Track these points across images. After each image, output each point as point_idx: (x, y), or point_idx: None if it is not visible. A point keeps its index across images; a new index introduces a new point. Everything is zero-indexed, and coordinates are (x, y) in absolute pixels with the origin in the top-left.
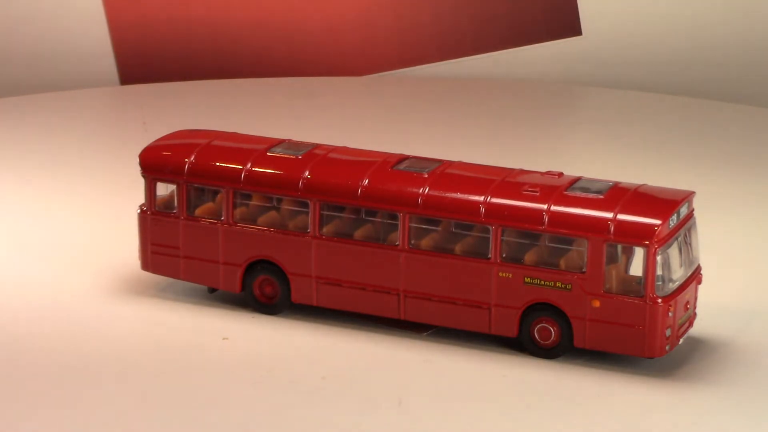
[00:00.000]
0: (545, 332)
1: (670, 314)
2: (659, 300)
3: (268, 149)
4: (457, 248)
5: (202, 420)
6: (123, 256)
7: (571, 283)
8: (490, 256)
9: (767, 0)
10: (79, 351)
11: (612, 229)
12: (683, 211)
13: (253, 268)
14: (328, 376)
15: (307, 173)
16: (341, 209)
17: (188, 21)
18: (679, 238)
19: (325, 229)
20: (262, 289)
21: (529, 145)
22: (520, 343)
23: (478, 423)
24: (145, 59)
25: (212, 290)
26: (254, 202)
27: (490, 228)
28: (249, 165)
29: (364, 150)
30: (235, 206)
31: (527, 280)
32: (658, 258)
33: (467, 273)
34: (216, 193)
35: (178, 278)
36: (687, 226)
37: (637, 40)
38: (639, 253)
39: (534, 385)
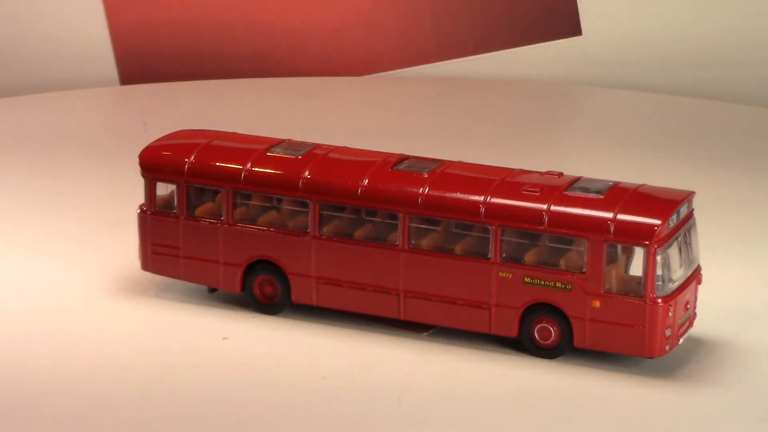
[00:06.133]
0: (545, 332)
1: (670, 314)
2: (659, 300)
3: (268, 149)
4: (457, 248)
5: (202, 420)
6: (123, 256)
7: (571, 283)
8: (490, 256)
9: (766, 0)
10: (79, 351)
11: (612, 229)
12: (683, 211)
13: (253, 268)
14: (328, 376)
15: (307, 173)
16: (341, 209)
17: (188, 21)
18: (679, 238)
19: (325, 229)
20: (262, 289)
21: (529, 145)
22: (520, 343)
23: (477, 423)
24: (145, 59)
25: (212, 290)
26: (254, 202)
27: (490, 228)
28: (249, 165)
29: (364, 150)
30: (235, 206)
31: (527, 280)
32: (658, 258)
33: (467, 273)
34: (216, 193)
35: (178, 278)
36: (687, 226)
37: (637, 40)
38: (639, 253)
39: (534, 385)
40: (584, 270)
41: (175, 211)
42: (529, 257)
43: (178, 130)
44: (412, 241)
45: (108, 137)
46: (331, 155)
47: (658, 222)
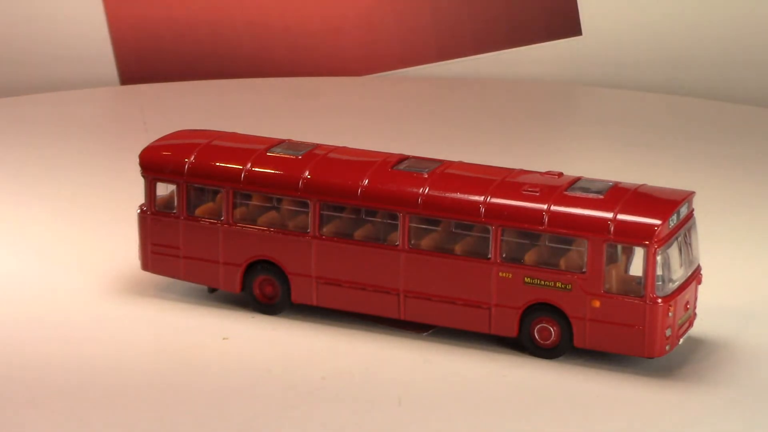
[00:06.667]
0: (545, 332)
1: (670, 314)
2: (659, 300)
3: (268, 149)
4: (457, 248)
5: (203, 420)
6: (123, 256)
7: (571, 283)
8: (490, 256)
9: (767, 0)
10: (79, 351)
11: (612, 229)
12: (683, 211)
13: (253, 268)
14: (328, 376)
15: (307, 173)
16: (341, 209)
17: (188, 21)
18: (679, 238)
19: (325, 229)
20: (262, 289)
21: (529, 145)
22: (520, 343)
23: (477, 423)
24: (145, 59)
25: (212, 290)
26: (254, 202)
27: (490, 228)
28: (249, 165)
29: (364, 150)
30: (235, 206)
31: (527, 280)
32: (658, 258)
33: (467, 273)
34: (216, 193)
35: (178, 278)
36: (687, 226)
37: (637, 40)
38: (639, 253)
39: (534, 385)
40: (584, 270)
41: (175, 211)
42: (529, 257)
43: (178, 130)
44: (412, 241)
45: (108, 137)
46: (331, 155)
47: (658, 222)
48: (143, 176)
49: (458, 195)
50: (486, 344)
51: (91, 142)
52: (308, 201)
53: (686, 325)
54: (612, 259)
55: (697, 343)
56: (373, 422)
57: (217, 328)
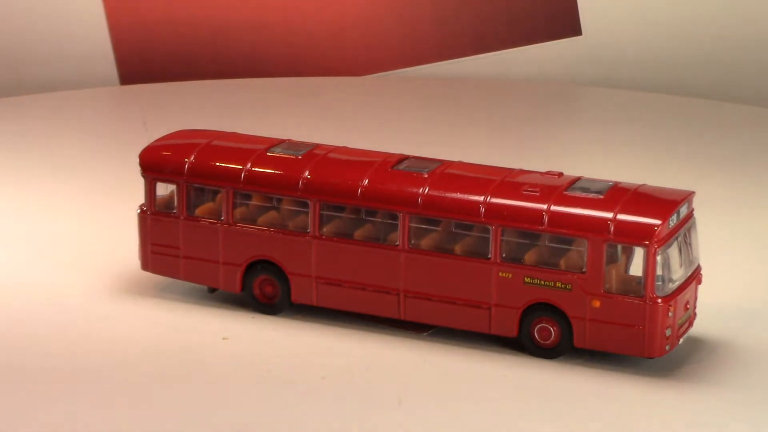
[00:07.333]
0: (545, 332)
1: (670, 314)
2: (659, 300)
3: (268, 149)
4: (457, 248)
5: (202, 420)
6: (123, 256)
7: (571, 283)
8: (490, 256)
9: (767, 0)
10: (79, 351)
11: (612, 229)
12: (683, 211)
13: (253, 268)
14: (328, 376)
15: (307, 173)
16: (341, 209)
17: (188, 21)
18: (679, 238)
19: (325, 229)
20: (262, 289)
21: (529, 145)
22: (520, 343)
23: (478, 423)
24: (145, 59)
25: (212, 290)
26: (254, 202)
27: (490, 228)
28: (249, 165)
29: (364, 150)
30: (235, 206)
31: (527, 280)
32: (658, 258)
33: (467, 273)
34: (216, 193)
35: (178, 278)
36: (687, 226)
37: (637, 40)
38: (639, 253)
39: (534, 385)
40: (584, 270)
41: (175, 211)
42: (529, 257)
43: (178, 130)
44: (412, 241)
45: (108, 137)
46: (331, 155)
47: (658, 222)
48: (143, 176)
49: (458, 195)
50: (486, 344)
51: (91, 142)
52: (308, 201)
53: (686, 325)
54: (612, 259)
55: (697, 343)
56: (373, 422)
57: (217, 328)
